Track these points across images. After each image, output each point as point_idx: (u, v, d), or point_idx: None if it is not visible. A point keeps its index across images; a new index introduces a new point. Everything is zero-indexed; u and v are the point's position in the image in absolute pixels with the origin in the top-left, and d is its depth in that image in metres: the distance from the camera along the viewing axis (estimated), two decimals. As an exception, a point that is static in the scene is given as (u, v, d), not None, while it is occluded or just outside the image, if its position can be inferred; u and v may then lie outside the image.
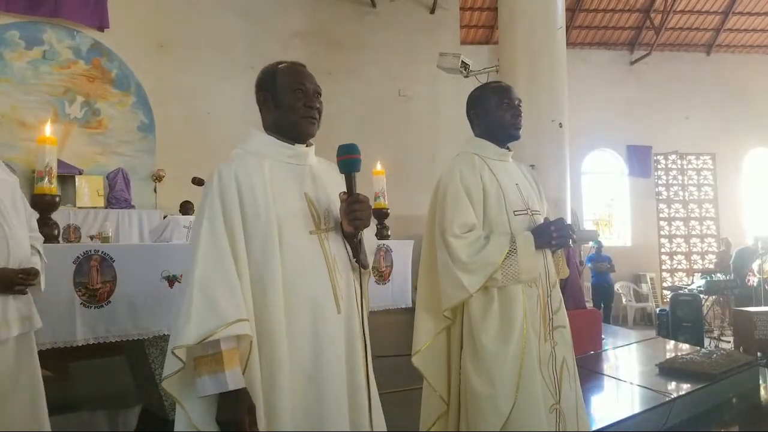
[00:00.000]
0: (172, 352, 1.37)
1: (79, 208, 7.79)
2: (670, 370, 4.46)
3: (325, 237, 1.58)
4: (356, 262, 1.64)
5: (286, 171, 1.60)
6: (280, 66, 1.66)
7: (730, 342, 7.77)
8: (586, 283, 9.55)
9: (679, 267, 12.23)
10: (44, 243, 2.63)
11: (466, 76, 7.26)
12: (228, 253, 1.44)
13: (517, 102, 2.14)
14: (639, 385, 4.16)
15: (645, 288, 11.53)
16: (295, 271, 1.50)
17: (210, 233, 1.44)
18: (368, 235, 1.72)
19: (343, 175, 1.60)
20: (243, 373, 1.41)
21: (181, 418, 1.45)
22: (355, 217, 1.55)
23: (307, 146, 1.66)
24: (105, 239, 4.91)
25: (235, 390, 1.38)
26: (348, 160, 1.58)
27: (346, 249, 1.64)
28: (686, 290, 9.00)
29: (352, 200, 1.56)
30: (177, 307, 1.43)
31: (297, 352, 1.48)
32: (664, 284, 11.84)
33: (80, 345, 2.59)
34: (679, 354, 5.15)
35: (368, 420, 1.56)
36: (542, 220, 2.11)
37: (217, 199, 1.48)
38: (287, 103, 1.61)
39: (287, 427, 1.44)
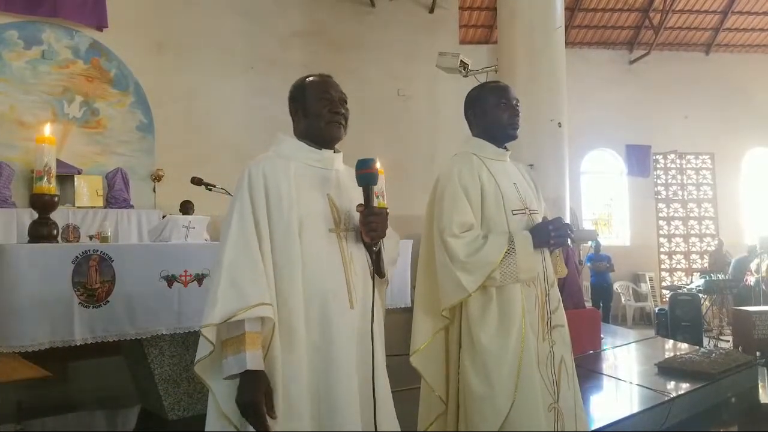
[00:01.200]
0: (202, 334, 1.48)
1: (78, 207, 7.76)
2: (669, 369, 4.46)
3: (344, 237, 1.69)
4: (374, 271, 1.73)
5: (312, 173, 1.71)
6: (308, 79, 1.80)
7: (729, 341, 7.78)
8: (585, 283, 9.55)
9: (678, 266, 12.23)
10: (43, 243, 2.64)
11: (465, 76, 7.24)
12: (255, 244, 1.56)
13: (514, 102, 2.14)
14: (638, 385, 4.17)
15: (644, 287, 11.53)
16: (312, 264, 1.62)
17: (239, 226, 1.58)
18: (389, 245, 1.81)
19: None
20: (264, 358, 1.50)
21: (211, 412, 1.54)
22: (371, 228, 1.65)
23: (334, 152, 1.77)
24: (104, 239, 4.90)
25: (254, 372, 1.46)
26: (366, 174, 1.67)
27: (366, 253, 1.72)
28: (685, 290, 9.01)
29: (368, 212, 1.66)
30: (208, 293, 1.56)
31: (310, 339, 1.58)
32: (663, 284, 11.84)
33: (78, 345, 2.59)
34: (678, 353, 5.16)
35: (374, 413, 1.63)
36: (540, 220, 2.11)
37: (246, 195, 1.61)
38: (314, 111, 1.74)
39: (305, 411, 1.53)
